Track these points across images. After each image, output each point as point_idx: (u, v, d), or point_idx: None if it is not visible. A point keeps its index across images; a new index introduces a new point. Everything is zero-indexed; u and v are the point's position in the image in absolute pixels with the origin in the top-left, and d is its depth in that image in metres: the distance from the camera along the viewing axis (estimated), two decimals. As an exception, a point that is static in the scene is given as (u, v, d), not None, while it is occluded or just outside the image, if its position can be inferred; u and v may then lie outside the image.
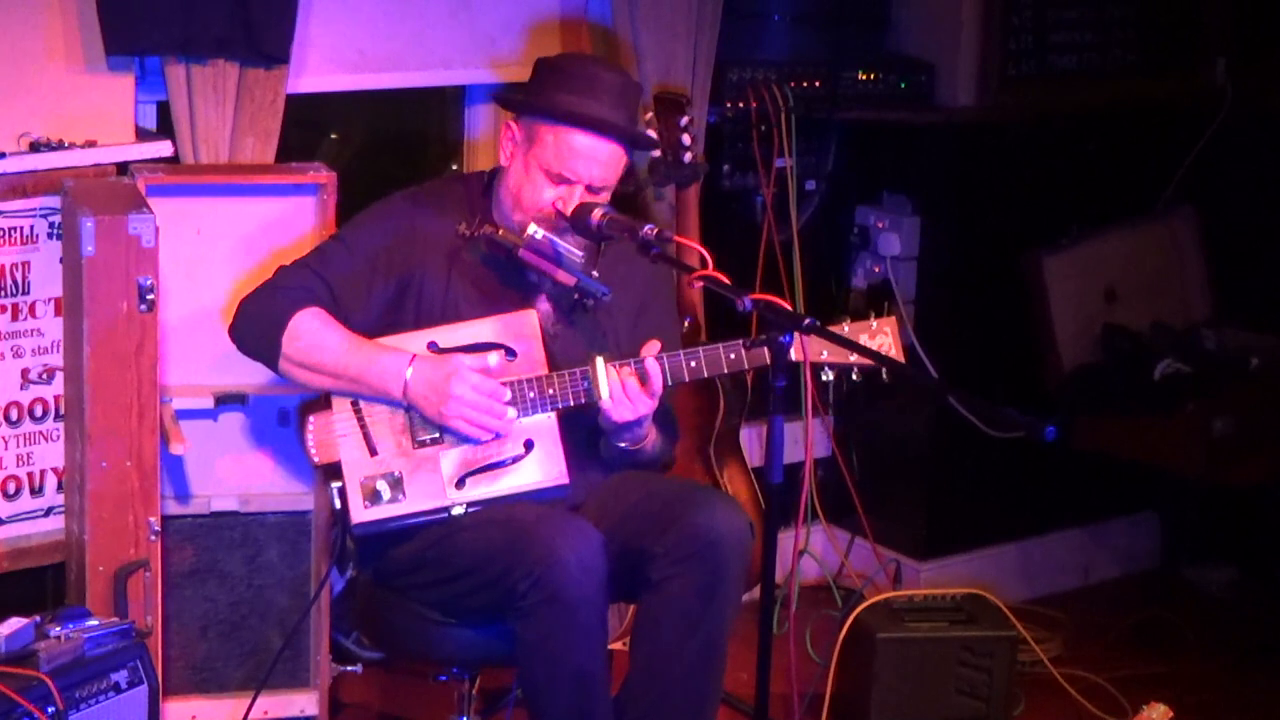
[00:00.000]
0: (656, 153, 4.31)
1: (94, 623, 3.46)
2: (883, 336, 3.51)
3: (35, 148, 3.79)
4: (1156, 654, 4.75)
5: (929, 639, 4.23)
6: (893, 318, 3.55)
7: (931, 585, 4.80)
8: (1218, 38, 5.30)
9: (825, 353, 3.50)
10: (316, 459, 3.50)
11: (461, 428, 3.44)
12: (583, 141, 3.49)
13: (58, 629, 3.41)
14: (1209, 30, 5.30)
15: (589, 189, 3.51)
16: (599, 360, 3.44)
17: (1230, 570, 5.26)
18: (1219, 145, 5.24)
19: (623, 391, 3.43)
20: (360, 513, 3.47)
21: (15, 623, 3.36)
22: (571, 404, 3.47)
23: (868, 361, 3.46)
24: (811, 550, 5.01)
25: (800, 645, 4.67)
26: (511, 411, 3.45)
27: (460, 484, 3.47)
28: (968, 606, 4.31)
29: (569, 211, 3.49)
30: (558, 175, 3.50)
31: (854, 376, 3.52)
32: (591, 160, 3.50)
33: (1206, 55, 5.29)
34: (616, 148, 3.53)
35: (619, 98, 3.54)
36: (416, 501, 3.47)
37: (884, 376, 3.51)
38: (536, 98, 3.56)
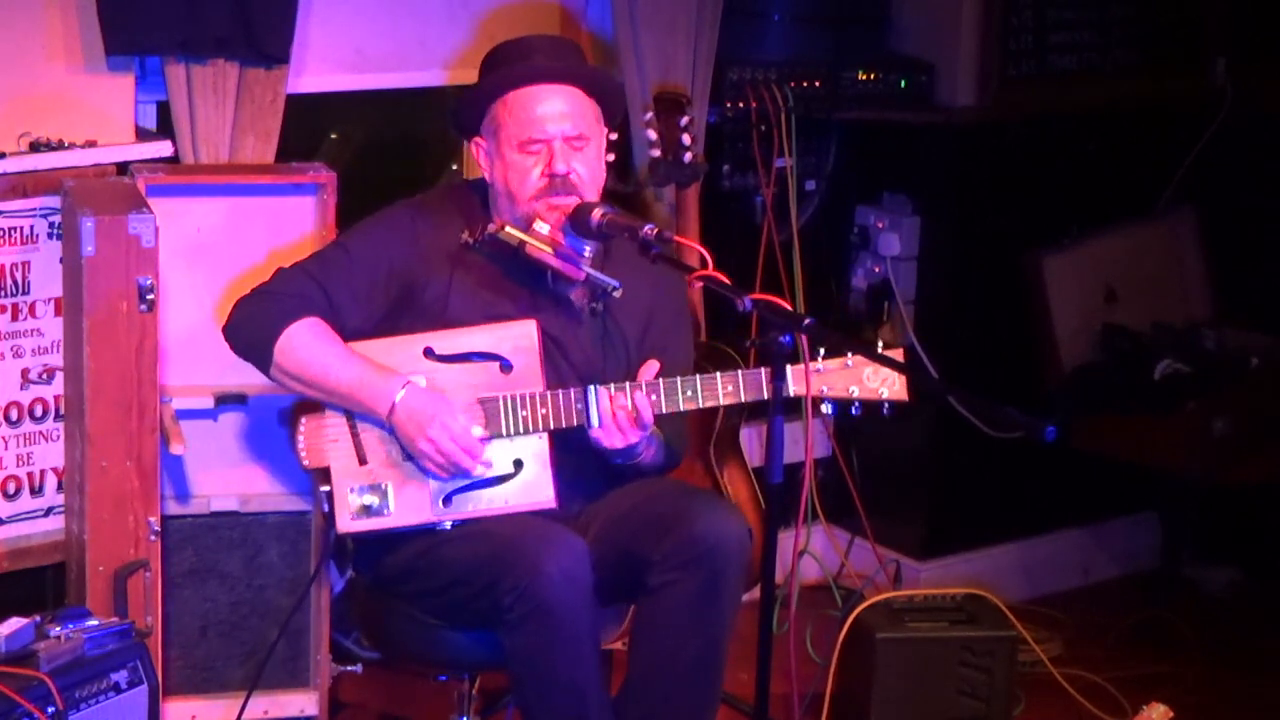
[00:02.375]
0: (657, 153, 4.32)
1: (94, 623, 3.45)
2: (888, 369, 3.47)
3: (35, 148, 3.79)
4: (1156, 654, 4.75)
5: (929, 639, 4.23)
6: (899, 350, 3.52)
7: (931, 585, 4.80)
8: (1218, 38, 5.30)
9: (825, 388, 3.47)
10: (306, 462, 3.49)
11: (427, 465, 3.43)
12: (531, 94, 3.47)
13: (58, 629, 3.40)
14: (1209, 30, 5.29)
15: (567, 143, 3.47)
16: (592, 389, 3.42)
17: (1230, 570, 5.25)
18: (1219, 145, 5.23)
19: (613, 421, 3.42)
20: (346, 523, 3.46)
21: (15, 623, 3.36)
22: (563, 426, 3.44)
23: (868, 396, 3.45)
24: (811, 550, 5.01)
25: (800, 645, 4.67)
26: (480, 470, 3.44)
27: (447, 501, 3.46)
28: (968, 606, 4.31)
29: (559, 170, 3.45)
30: (527, 142, 3.47)
31: (854, 411, 3.50)
32: (549, 110, 3.47)
33: (1206, 55, 5.29)
34: (569, 90, 3.50)
35: (552, 49, 3.54)
36: (402, 515, 3.46)
37: (885, 411, 3.48)
38: (475, 90, 3.57)
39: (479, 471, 3.44)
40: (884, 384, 3.47)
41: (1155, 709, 4.01)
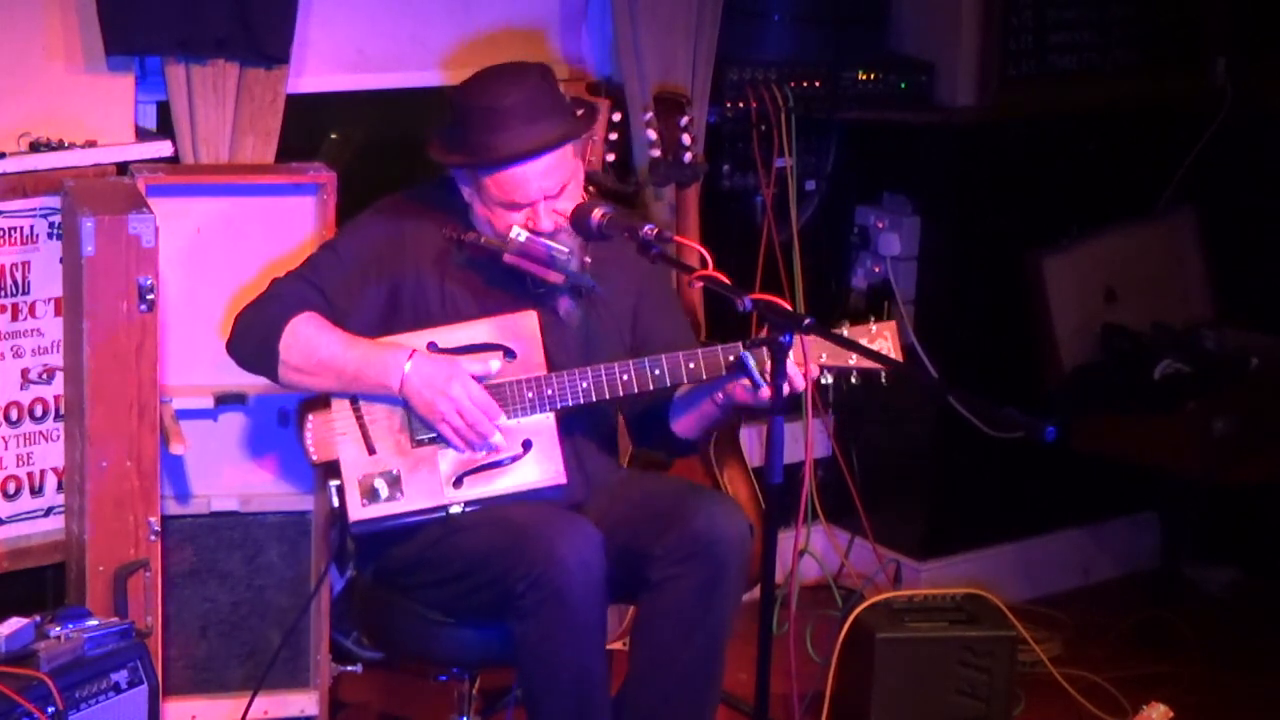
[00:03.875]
0: (657, 152, 4.32)
1: (94, 623, 3.45)
2: (882, 340, 3.47)
3: (35, 148, 3.79)
4: (1156, 654, 4.75)
5: (929, 639, 4.23)
6: (892, 322, 3.51)
7: (931, 585, 4.80)
8: (1218, 38, 5.30)
9: (824, 355, 3.47)
10: (315, 457, 3.50)
11: (447, 431, 3.43)
12: (519, 172, 3.44)
13: (58, 629, 3.40)
14: (1209, 30, 5.29)
15: (549, 200, 3.46)
16: (748, 355, 3.37)
17: (1230, 570, 5.26)
18: (1219, 145, 5.23)
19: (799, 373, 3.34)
20: (358, 511, 3.47)
21: (15, 623, 3.36)
22: (570, 404, 3.47)
23: (866, 365, 3.46)
24: (811, 550, 5.01)
25: (800, 645, 4.67)
26: (498, 437, 3.45)
27: (458, 483, 3.47)
28: (968, 606, 4.31)
29: (544, 229, 3.44)
30: (512, 205, 3.46)
31: (853, 380, 3.50)
32: (537, 179, 3.44)
33: (1206, 55, 5.29)
34: (553, 152, 3.46)
35: (530, 105, 3.44)
36: (414, 500, 3.47)
37: (883, 379, 3.49)
38: (460, 151, 3.49)
39: (497, 439, 3.44)
40: (877, 347, 3.46)
41: (1155, 709, 4.01)
